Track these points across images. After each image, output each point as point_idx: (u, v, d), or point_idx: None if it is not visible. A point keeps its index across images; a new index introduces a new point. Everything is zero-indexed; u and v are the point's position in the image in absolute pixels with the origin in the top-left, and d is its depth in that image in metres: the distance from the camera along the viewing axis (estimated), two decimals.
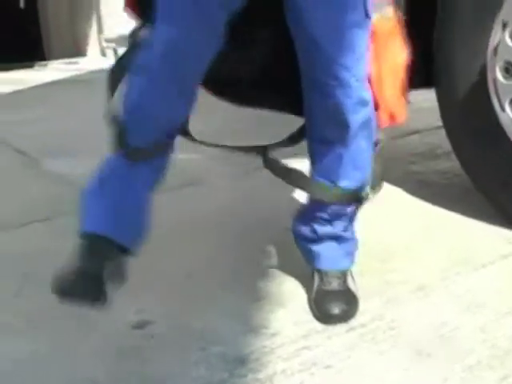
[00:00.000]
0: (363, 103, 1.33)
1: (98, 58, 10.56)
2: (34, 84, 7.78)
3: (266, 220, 2.04)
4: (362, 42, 1.29)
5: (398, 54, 1.37)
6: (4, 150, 3.48)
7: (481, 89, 1.76)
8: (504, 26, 1.69)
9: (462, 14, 1.79)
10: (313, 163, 1.45)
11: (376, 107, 1.38)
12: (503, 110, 1.72)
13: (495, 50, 1.72)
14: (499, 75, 1.71)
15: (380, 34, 1.33)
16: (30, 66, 11.62)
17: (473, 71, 1.77)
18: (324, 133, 1.38)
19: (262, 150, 1.48)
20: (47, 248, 1.97)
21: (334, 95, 1.30)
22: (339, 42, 1.27)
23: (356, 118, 1.33)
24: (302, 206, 1.54)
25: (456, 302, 1.46)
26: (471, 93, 1.79)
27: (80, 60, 10.75)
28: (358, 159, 1.40)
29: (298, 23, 1.28)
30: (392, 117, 1.40)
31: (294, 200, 2.11)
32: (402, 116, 1.41)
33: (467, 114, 1.83)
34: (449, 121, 1.91)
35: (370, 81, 1.35)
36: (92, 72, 8.89)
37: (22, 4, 14.72)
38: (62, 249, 1.94)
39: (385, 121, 1.40)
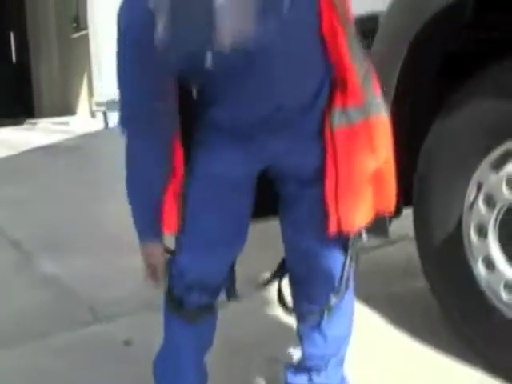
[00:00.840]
0: None
1: (87, 119, 10.65)
2: (23, 149, 7.76)
3: (251, 346, 2.10)
4: None
5: (368, 161, 1.32)
6: None
7: (457, 241, 1.88)
8: (479, 187, 1.83)
9: (439, 170, 1.93)
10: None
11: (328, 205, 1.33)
12: (476, 265, 1.85)
13: (470, 208, 1.85)
14: (472, 234, 1.84)
15: (351, 140, 1.31)
16: (20, 123, 11.71)
17: (450, 224, 1.89)
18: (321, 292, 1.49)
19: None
20: (44, 367, 2.04)
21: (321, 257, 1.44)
22: None
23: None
24: (299, 359, 1.64)
25: None
26: (448, 243, 1.91)
27: (69, 119, 10.83)
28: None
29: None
30: (338, 223, 1.33)
31: (279, 328, 2.18)
32: (351, 226, 1.35)
33: (444, 261, 1.94)
34: (427, 266, 2.03)
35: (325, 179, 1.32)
36: (81, 136, 8.96)
37: (14, 59, 14.87)
38: (59, 369, 2.01)
39: (332, 225, 1.33)
